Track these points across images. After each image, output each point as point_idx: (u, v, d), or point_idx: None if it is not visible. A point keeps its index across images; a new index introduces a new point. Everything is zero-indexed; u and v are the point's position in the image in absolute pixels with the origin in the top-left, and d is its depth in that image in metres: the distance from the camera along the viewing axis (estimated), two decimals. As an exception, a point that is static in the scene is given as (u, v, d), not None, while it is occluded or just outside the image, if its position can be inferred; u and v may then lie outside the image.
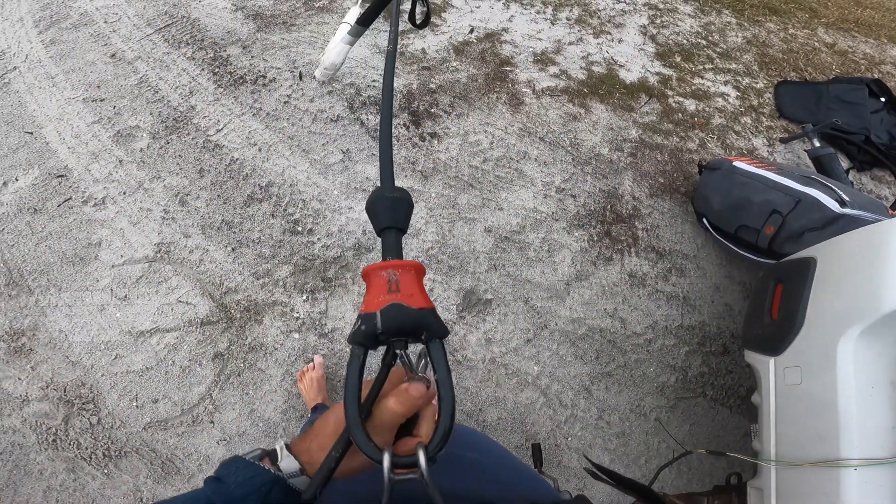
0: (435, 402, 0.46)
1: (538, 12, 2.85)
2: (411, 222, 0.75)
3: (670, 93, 2.56)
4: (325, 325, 1.75)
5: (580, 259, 1.97)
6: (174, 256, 1.82)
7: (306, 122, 2.18)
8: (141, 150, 2.05)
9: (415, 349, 0.47)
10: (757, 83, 2.69)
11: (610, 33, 2.81)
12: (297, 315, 1.75)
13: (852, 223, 1.60)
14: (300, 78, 2.31)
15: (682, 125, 2.43)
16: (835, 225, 1.63)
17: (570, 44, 2.71)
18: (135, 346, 1.66)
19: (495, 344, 1.78)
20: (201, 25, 2.48)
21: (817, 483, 1.10)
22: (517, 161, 2.19)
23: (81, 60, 2.30)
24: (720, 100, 2.57)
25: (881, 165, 2.38)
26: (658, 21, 2.95)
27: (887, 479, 1.04)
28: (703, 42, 2.87)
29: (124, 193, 1.94)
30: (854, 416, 1.07)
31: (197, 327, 1.70)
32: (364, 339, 0.45)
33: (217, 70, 2.30)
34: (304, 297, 1.78)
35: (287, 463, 0.48)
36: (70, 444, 1.52)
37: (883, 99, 2.56)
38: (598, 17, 2.89)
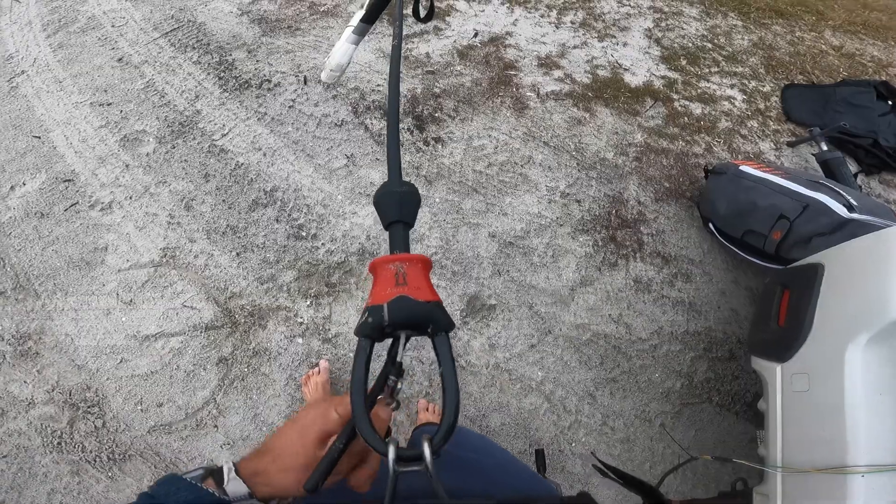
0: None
1: (542, 16, 2.84)
2: (414, 227, 0.76)
3: (676, 96, 2.54)
4: (329, 330, 1.75)
5: (585, 264, 1.96)
6: (179, 261, 1.83)
7: (311, 127, 2.19)
8: (147, 154, 2.06)
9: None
10: (763, 86, 2.67)
11: (615, 37, 2.80)
12: (301, 320, 1.76)
13: (860, 228, 1.59)
14: (305, 82, 2.32)
15: (688, 129, 2.41)
16: (843, 230, 1.62)
17: (575, 47, 2.70)
18: (140, 350, 1.67)
19: (499, 349, 1.77)
20: (207, 30, 2.50)
21: (824, 489, 1.09)
22: (521, 166, 2.18)
23: (89, 64, 2.32)
24: (726, 103, 2.55)
25: (889, 169, 2.36)
26: (663, 24, 2.93)
27: (895, 485, 1.03)
28: (709, 45, 2.85)
29: (130, 198, 1.95)
30: (861, 423, 1.07)
31: (201, 332, 1.71)
32: (371, 331, 0.46)
33: (222, 74, 2.32)
34: (308, 303, 1.79)
35: (234, 486, 0.44)
36: (75, 447, 1.53)
37: (891, 102, 2.53)
38: (603, 21, 2.88)
